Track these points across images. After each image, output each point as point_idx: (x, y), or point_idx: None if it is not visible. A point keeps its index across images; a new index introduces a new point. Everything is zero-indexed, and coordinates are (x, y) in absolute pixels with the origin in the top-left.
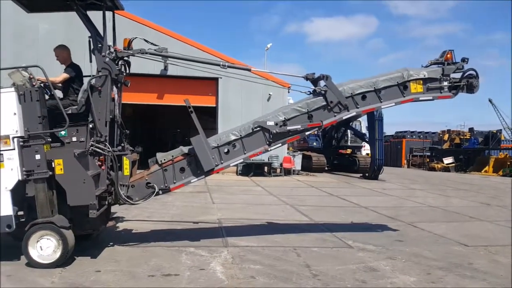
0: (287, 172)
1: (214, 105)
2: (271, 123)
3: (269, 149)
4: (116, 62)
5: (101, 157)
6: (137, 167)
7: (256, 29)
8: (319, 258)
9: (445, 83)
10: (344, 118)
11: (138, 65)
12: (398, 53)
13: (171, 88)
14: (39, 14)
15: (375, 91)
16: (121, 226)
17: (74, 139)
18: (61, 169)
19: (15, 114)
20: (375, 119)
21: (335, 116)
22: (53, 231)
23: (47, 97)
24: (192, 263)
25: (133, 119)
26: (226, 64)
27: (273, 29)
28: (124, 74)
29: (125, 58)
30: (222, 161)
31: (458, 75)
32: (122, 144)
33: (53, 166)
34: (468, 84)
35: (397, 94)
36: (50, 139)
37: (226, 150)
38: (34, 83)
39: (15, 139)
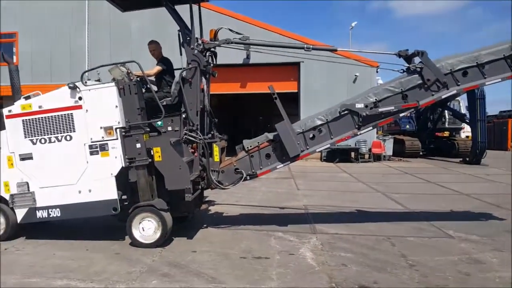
0: (377, 157)
1: (296, 91)
2: (360, 105)
3: (358, 133)
4: (204, 53)
5: (193, 145)
6: (225, 154)
7: (339, 8)
8: (416, 248)
9: None
10: (443, 97)
11: (222, 56)
12: (502, 23)
13: (253, 76)
14: (131, 13)
15: (477, 66)
16: (213, 209)
17: (169, 128)
18: (159, 156)
19: (116, 106)
20: (476, 98)
21: (432, 95)
22: (153, 213)
23: (143, 90)
24: (281, 248)
25: (218, 109)
26: (311, 46)
27: (357, 7)
28: (212, 65)
29: (212, 49)
30: (307, 147)
31: None
32: (212, 132)
33: (152, 153)
34: None
35: (504, 69)
36: (148, 129)
37: (311, 136)
38: (131, 78)
39: (118, 130)
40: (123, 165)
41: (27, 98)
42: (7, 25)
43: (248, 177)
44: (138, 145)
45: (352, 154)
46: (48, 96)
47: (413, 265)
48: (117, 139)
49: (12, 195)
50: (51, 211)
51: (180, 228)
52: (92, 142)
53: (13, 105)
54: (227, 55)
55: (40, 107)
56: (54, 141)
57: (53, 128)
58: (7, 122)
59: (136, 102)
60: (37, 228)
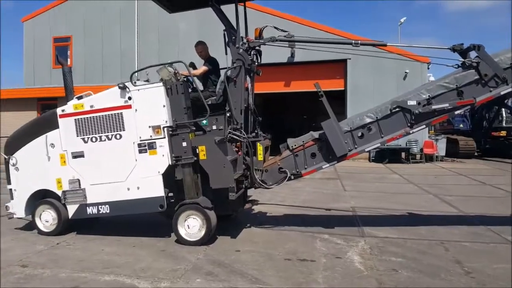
0: (429, 158)
1: (343, 88)
2: (412, 102)
3: (410, 132)
4: (249, 52)
5: (237, 144)
6: (269, 153)
7: (385, 6)
8: (472, 254)
9: None
10: (501, 93)
11: (266, 55)
12: None
13: (297, 75)
14: (178, 14)
15: None
16: (257, 208)
17: (214, 127)
18: (204, 154)
19: (164, 106)
20: None
21: (490, 91)
22: (198, 211)
23: (189, 90)
24: (327, 250)
25: (263, 108)
26: (359, 42)
27: (404, 2)
28: (256, 63)
29: (257, 48)
30: (355, 146)
31: None
32: (256, 131)
33: (197, 152)
34: None
35: None
36: (194, 128)
37: (360, 134)
38: (178, 78)
39: (165, 129)
40: (170, 163)
41: (80, 98)
42: (63, 30)
43: (292, 177)
44: (184, 144)
45: (403, 154)
46: (99, 96)
47: (469, 272)
48: (164, 137)
49: (64, 192)
50: (101, 208)
51: (225, 227)
52: (141, 140)
53: (66, 105)
54: (271, 55)
55: (91, 106)
56: (105, 140)
57: (104, 127)
58: (60, 121)
59: (182, 101)
60: (86, 224)
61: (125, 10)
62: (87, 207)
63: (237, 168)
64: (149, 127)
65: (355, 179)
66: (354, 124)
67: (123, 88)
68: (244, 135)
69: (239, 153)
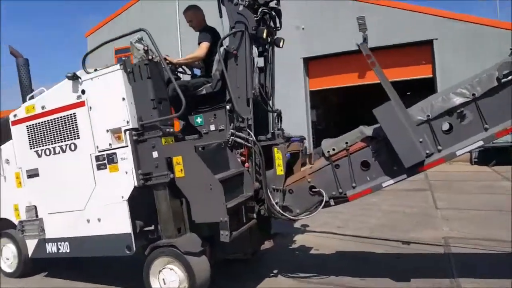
0: None
1: (431, 76)
2: None
3: None
4: (256, 10)
5: (242, 150)
6: (300, 162)
7: None
8: None
9: None
10: None
11: (331, 44)
12: None
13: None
14: None
15: None
16: (298, 240)
17: (211, 127)
18: (181, 170)
19: (124, 99)
20: None
21: None
22: (177, 259)
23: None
24: None
25: (334, 105)
26: None
27: None
28: (274, 28)
29: (273, 4)
30: (439, 146)
31: None
32: (273, 131)
33: (173, 166)
34: None
35: None
36: (171, 129)
37: (446, 127)
38: (152, 57)
39: (127, 132)
40: (136, 184)
41: (31, 97)
42: (123, 41)
43: (332, 201)
44: (155, 154)
45: None
46: (51, 93)
47: None
48: (127, 146)
49: (21, 222)
50: (60, 245)
51: (234, 275)
52: (98, 151)
53: (19, 107)
54: (337, 42)
55: (43, 107)
56: (59, 152)
57: (56, 135)
58: (13, 129)
59: (149, 90)
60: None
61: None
62: (46, 244)
63: (240, 190)
64: (107, 131)
65: (451, 190)
66: (434, 109)
67: (73, 78)
68: (252, 136)
69: (246, 164)
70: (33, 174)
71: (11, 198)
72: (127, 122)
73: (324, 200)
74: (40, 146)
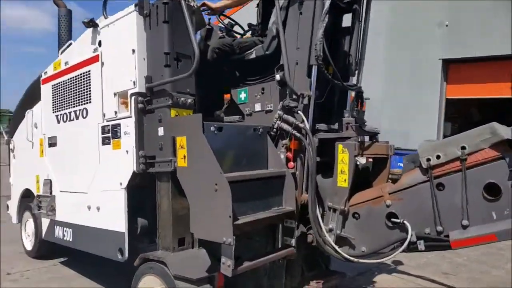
0: None
1: None
2: None
3: None
4: None
5: (290, 142)
6: (388, 175)
7: None
8: None
9: None
10: None
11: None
12: None
13: None
14: None
15: None
16: (374, 285)
17: (257, 106)
18: (184, 156)
19: (134, 51)
20: None
21: None
22: (164, 280)
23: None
24: None
25: (473, 120)
26: None
27: None
28: None
29: None
30: None
31: None
32: (344, 117)
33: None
34: None
35: None
36: (189, 98)
37: None
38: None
39: (133, 98)
40: (135, 169)
41: (63, 52)
42: None
43: (421, 244)
44: (161, 131)
45: None
46: (74, 46)
47: None
48: (131, 116)
49: (38, 196)
50: (65, 232)
51: None
52: (106, 121)
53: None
54: (488, 44)
55: (66, 64)
56: (73, 119)
57: (72, 97)
58: (42, 88)
59: (164, 39)
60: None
61: None
62: (55, 226)
63: (275, 201)
64: (115, 95)
65: None
66: None
67: (90, 25)
68: (305, 123)
69: (291, 164)
70: (53, 143)
71: (35, 167)
72: (134, 83)
73: (408, 239)
74: (59, 110)
